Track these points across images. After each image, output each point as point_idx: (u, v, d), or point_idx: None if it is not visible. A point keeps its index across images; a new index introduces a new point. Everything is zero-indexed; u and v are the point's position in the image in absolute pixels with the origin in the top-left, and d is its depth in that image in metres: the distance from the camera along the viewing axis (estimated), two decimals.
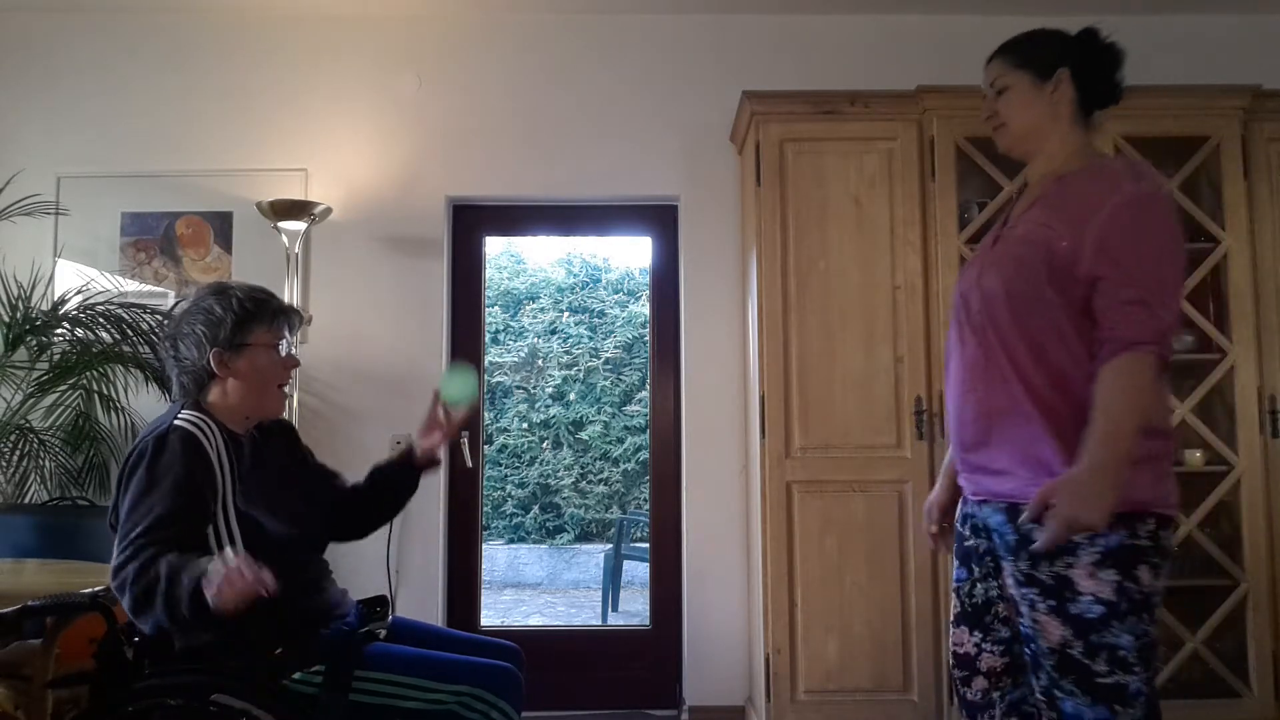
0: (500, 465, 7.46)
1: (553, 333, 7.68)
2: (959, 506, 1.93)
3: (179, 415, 1.84)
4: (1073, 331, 1.68)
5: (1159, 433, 1.68)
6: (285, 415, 3.22)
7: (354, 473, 3.41)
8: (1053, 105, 1.79)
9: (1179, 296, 1.68)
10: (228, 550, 1.58)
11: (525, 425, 7.52)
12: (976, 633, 1.87)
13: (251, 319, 1.90)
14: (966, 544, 1.87)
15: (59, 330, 3.25)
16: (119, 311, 3.26)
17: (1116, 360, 1.61)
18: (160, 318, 3.22)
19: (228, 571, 1.54)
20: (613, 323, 7.64)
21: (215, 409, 1.90)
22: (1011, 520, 1.70)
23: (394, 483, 2.17)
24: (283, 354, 1.96)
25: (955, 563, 1.92)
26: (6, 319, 3.22)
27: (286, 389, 2.01)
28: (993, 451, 1.74)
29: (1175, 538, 3.04)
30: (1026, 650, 1.72)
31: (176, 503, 1.71)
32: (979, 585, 1.85)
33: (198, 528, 1.74)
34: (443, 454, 2.22)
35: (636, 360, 7.41)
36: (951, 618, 1.94)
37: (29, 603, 1.92)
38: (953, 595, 1.93)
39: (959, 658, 1.92)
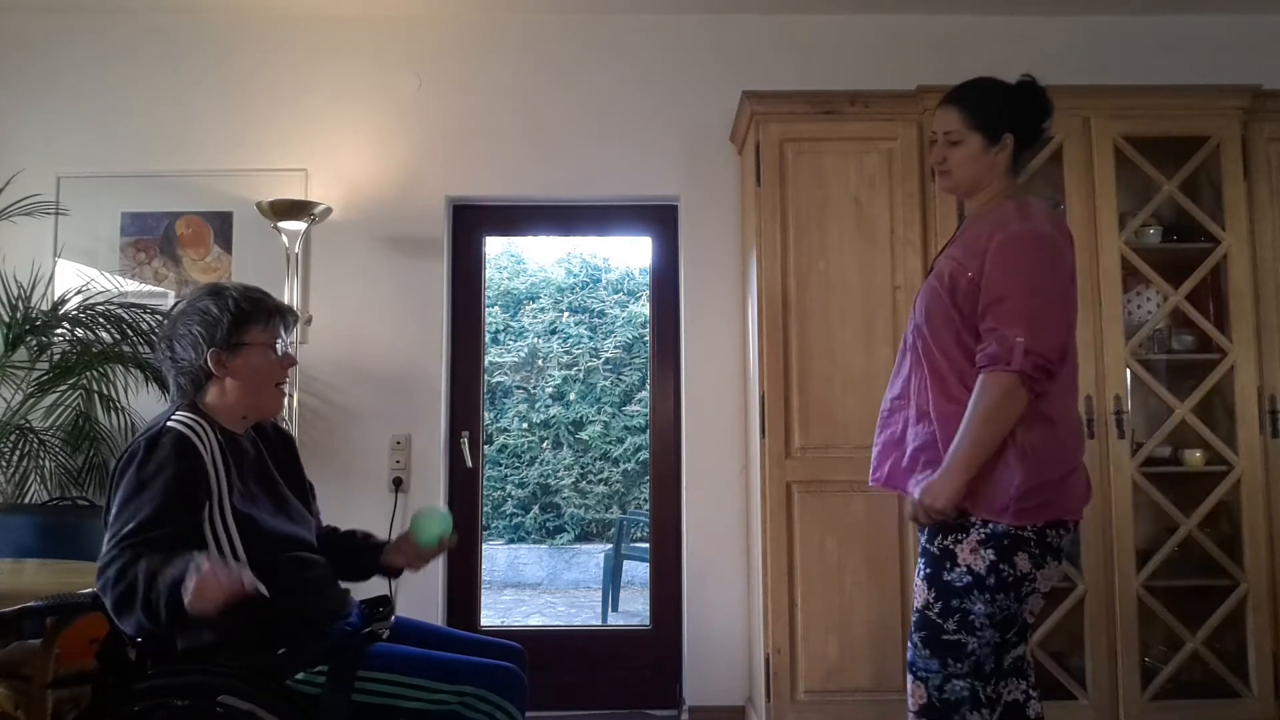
0: (500, 465, 7.46)
1: (553, 333, 7.67)
2: None
3: (173, 416, 1.84)
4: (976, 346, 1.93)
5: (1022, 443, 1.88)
6: (285, 414, 3.24)
7: (354, 473, 3.44)
8: (995, 164, 2.02)
9: (1043, 322, 1.86)
10: (198, 556, 1.58)
11: (525, 425, 7.52)
12: None
13: (248, 319, 1.90)
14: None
15: (59, 330, 3.25)
16: (119, 311, 3.26)
17: (979, 380, 1.87)
18: (160, 318, 3.22)
19: (199, 577, 1.54)
20: (613, 323, 7.64)
21: (213, 409, 1.90)
22: None
23: (358, 560, 2.11)
24: (279, 353, 1.96)
25: None
26: (6, 319, 3.22)
27: (284, 388, 2.01)
28: (908, 447, 2.02)
29: (1177, 537, 3.07)
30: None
31: (164, 504, 1.71)
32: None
33: (187, 529, 1.73)
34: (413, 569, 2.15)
35: (636, 360, 7.41)
36: None
37: (30, 603, 1.92)
38: None
39: None
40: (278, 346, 1.95)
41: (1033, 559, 1.88)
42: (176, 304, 2.09)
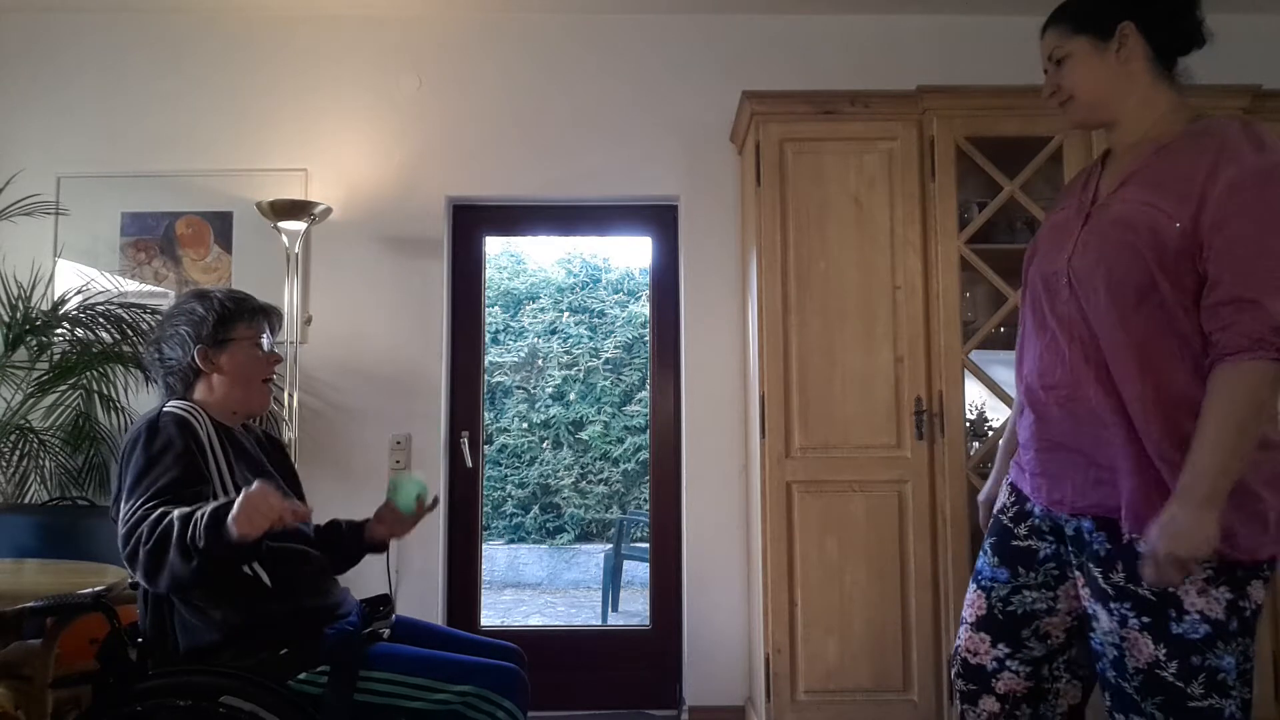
0: (500, 465, 7.46)
1: (553, 333, 7.68)
2: (1007, 501, 1.76)
3: (166, 406, 1.88)
4: (1193, 332, 1.46)
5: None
6: (285, 415, 3.24)
7: (354, 473, 3.44)
8: (1122, 65, 1.56)
9: None
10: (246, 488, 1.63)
11: (525, 425, 7.52)
12: (1002, 645, 1.69)
13: (232, 316, 1.96)
14: (1018, 544, 1.69)
15: (59, 330, 3.25)
16: (119, 311, 3.25)
17: (1217, 371, 1.42)
18: (160, 318, 3.21)
19: (248, 493, 1.59)
20: (613, 323, 7.64)
21: (203, 405, 1.93)
22: (1104, 528, 1.53)
23: (343, 545, 2.13)
24: (265, 350, 2.01)
25: (991, 557, 1.73)
26: (6, 319, 3.22)
27: (271, 385, 2.05)
28: (1082, 459, 1.57)
29: None
30: (1105, 671, 1.55)
31: (181, 474, 1.74)
32: (1026, 593, 1.68)
33: (201, 496, 1.75)
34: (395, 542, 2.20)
35: (636, 360, 7.41)
36: (970, 619, 1.74)
37: (30, 603, 1.92)
38: (978, 593, 1.73)
39: (969, 668, 1.73)
40: (264, 343, 2.00)
41: (1265, 582, 1.47)
42: (165, 309, 2.12)
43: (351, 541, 2.13)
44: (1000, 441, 1.88)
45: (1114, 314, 1.50)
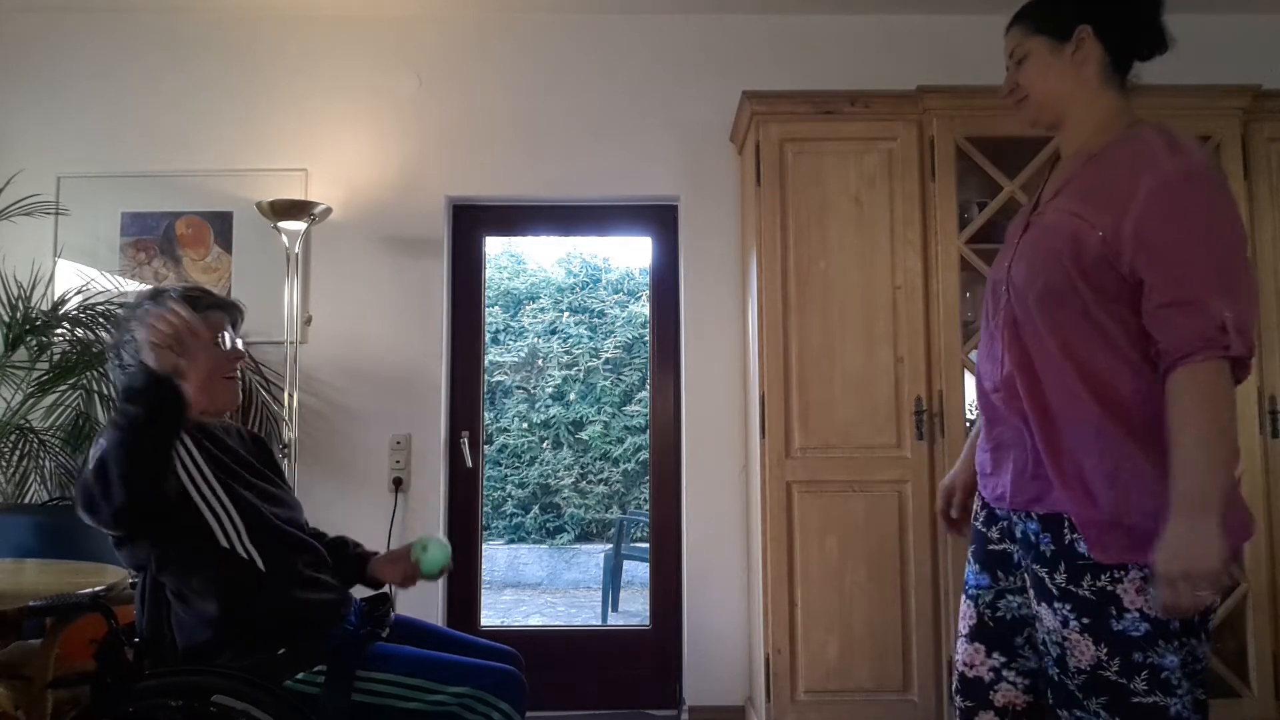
0: (500, 465, 7.46)
1: (553, 333, 7.68)
2: (978, 506, 1.73)
3: None
4: (1119, 332, 1.47)
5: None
6: (285, 415, 3.24)
7: (354, 473, 3.44)
8: (1076, 67, 1.58)
9: (1239, 282, 1.41)
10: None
11: (525, 425, 7.52)
12: (997, 654, 1.65)
13: None
14: (994, 548, 1.66)
15: (59, 330, 3.25)
16: (119, 311, 3.25)
17: (1174, 378, 1.41)
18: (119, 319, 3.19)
19: (150, 319, 1.62)
20: (613, 323, 7.64)
21: None
22: (1049, 529, 1.51)
23: (343, 565, 2.08)
24: (225, 346, 1.95)
25: (974, 565, 1.70)
26: (6, 319, 3.22)
27: (235, 381, 2.00)
28: (1021, 455, 1.57)
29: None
30: (1050, 668, 1.53)
31: None
32: (1010, 598, 1.64)
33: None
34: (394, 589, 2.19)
35: (636, 360, 7.41)
36: (964, 630, 1.70)
37: (30, 603, 1.92)
38: (968, 603, 1.69)
39: (966, 682, 1.68)
40: (224, 340, 1.95)
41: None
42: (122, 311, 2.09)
43: (351, 568, 2.09)
44: (972, 434, 1.84)
45: (1044, 316, 1.53)
